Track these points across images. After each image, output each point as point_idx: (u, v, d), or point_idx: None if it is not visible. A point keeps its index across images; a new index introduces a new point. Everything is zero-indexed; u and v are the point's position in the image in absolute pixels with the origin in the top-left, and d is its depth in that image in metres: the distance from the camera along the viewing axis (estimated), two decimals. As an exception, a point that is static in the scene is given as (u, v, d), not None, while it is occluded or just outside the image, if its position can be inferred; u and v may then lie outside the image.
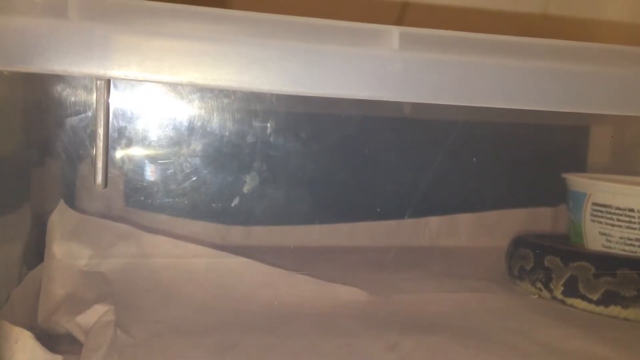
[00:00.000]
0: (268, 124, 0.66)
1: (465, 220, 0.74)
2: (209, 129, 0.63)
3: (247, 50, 0.26)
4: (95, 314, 0.36)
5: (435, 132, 0.75)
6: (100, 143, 0.28)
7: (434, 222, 0.73)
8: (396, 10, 0.77)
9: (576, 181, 0.53)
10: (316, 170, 0.69)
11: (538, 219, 0.74)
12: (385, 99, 0.27)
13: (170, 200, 0.64)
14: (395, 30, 0.27)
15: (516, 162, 0.76)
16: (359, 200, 0.72)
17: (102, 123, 0.28)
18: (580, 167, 0.81)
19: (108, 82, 0.29)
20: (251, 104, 0.64)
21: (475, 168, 0.76)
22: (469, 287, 0.52)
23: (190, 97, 0.60)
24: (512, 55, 0.29)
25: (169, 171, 0.63)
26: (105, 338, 0.34)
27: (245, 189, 0.65)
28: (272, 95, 0.61)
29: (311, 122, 0.69)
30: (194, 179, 0.64)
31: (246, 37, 0.26)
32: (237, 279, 0.46)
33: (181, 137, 0.62)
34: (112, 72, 0.25)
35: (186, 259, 0.49)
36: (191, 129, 0.63)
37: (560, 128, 0.80)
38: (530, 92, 0.30)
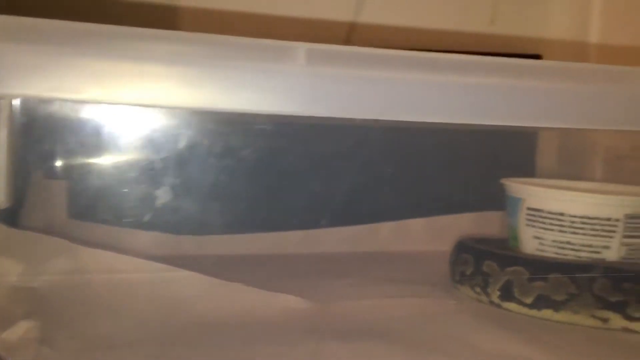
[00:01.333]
0: (202, 135, 0.66)
1: (416, 225, 0.75)
2: (149, 139, 0.63)
3: (151, 67, 0.26)
4: (19, 330, 0.36)
5: (383, 138, 0.76)
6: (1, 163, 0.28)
7: (384, 227, 0.74)
8: (344, 30, 0.78)
9: (512, 186, 0.54)
10: (264, 178, 0.69)
11: (488, 222, 0.75)
12: (294, 114, 0.28)
13: (115, 211, 0.64)
14: (301, 47, 0.27)
15: (467, 167, 0.78)
16: (310, 207, 0.72)
17: (4, 142, 0.28)
18: (530, 171, 0.82)
19: (10, 101, 0.29)
20: (175, 117, 0.64)
21: (427, 173, 0.78)
22: (411, 293, 0.53)
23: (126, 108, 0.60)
24: (420, 69, 0.29)
25: (114, 182, 0.63)
26: (28, 355, 0.34)
27: (177, 198, 0.65)
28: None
29: (248, 128, 0.70)
30: (137, 189, 0.64)
31: (151, 53, 0.26)
32: (176, 292, 0.46)
33: (125, 147, 0.62)
34: (15, 90, 0.25)
35: (126, 274, 0.49)
36: (133, 139, 0.63)
37: (510, 133, 0.82)
38: (442, 105, 0.31)
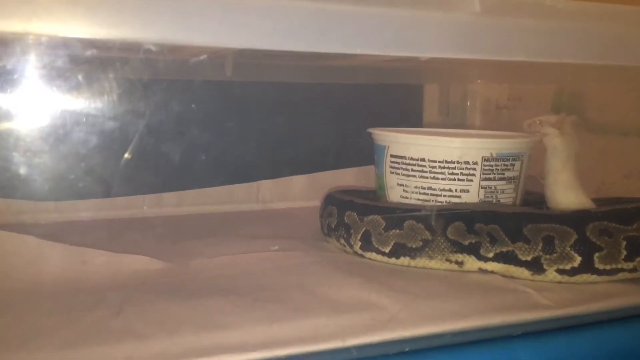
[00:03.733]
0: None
1: (298, 182, 0.73)
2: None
3: None
4: None
5: (263, 94, 0.73)
6: None
7: (266, 185, 0.72)
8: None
9: (377, 135, 0.52)
10: (137, 139, 0.64)
11: (369, 176, 0.74)
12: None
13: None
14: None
15: (351, 122, 0.76)
16: (187, 167, 0.68)
17: None
18: (417, 124, 0.82)
19: None
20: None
21: (310, 130, 0.75)
22: (275, 247, 0.51)
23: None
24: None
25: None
26: None
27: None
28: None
29: (135, 88, 0.64)
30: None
31: None
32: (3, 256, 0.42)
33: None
34: None
35: None
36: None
37: (397, 87, 0.81)
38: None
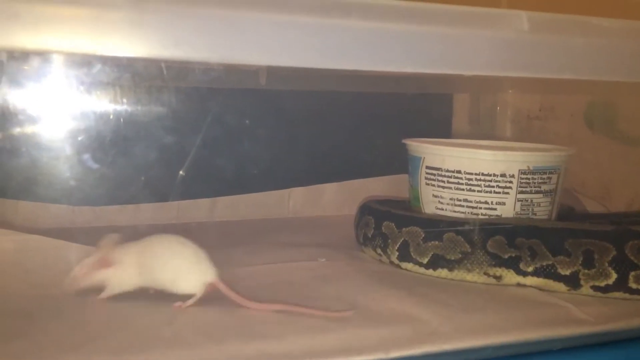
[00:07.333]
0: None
1: (329, 190, 0.73)
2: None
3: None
4: None
5: (295, 102, 0.74)
6: None
7: (297, 193, 0.72)
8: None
9: (412, 146, 0.53)
10: (171, 146, 0.66)
11: (400, 185, 0.74)
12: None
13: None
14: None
15: (381, 131, 0.77)
16: (219, 175, 0.69)
17: None
18: (446, 133, 0.82)
19: None
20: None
21: (339, 137, 0.76)
22: (311, 256, 0.51)
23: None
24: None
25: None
26: None
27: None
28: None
29: (170, 95, 0.66)
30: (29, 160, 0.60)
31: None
32: (49, 263, 0.43)
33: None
34: None
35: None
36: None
37: (427, 96, 0.81)
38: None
